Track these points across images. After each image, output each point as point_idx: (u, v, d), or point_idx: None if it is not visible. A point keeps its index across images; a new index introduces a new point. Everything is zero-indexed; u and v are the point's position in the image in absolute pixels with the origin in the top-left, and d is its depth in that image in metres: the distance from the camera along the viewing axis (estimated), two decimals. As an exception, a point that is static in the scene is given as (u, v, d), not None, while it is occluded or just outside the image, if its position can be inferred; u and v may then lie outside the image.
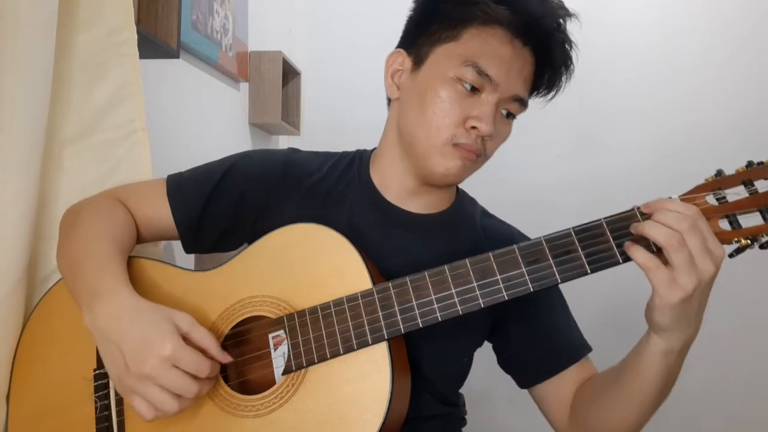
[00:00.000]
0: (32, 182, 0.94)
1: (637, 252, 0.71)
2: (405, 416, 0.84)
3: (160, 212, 0.99)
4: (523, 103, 0.91)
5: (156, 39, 1.33)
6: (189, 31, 1.68)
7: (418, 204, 0.98)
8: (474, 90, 0.87)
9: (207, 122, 1.93)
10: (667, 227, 0.69)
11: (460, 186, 1.03)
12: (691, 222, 0.69)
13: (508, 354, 0.99)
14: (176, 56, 1.40)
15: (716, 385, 2.47)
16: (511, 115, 0.92)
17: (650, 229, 0.70)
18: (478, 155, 0.90)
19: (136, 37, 1.07)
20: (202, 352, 0.78)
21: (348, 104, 2.56)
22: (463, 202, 1.03)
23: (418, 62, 0.93)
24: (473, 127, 0.88)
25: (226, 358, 0.80)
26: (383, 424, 0.76)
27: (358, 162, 1.02)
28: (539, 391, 0.96)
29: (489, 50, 0.87)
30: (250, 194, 0.98)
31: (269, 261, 0.88)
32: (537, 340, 0.95)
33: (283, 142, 2.66)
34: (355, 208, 0.97)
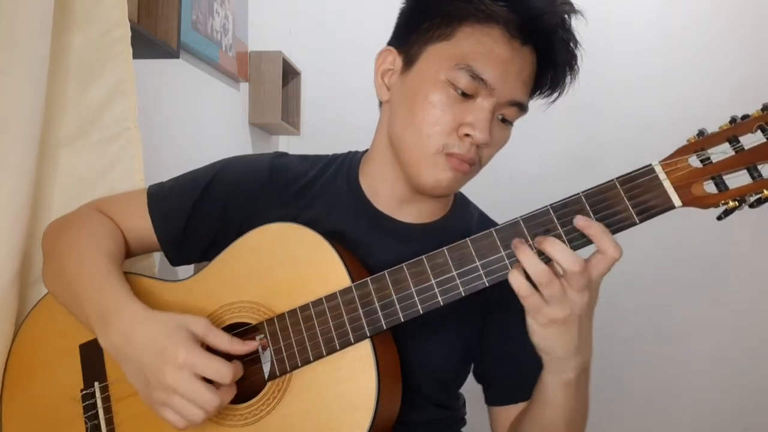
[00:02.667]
0: (27, 182, 0.93)
1: (514, 278, 0.70)
2: (397, 413, 0.82)
3: (142, 226, 0.95)
4: (522, 108, 0.85)
5: (156, 39, 1.33)
6: (189, 31, 1.67)
7: (410, 213, 0.92)
8: (468, 95, 0.81)
9: (207, 122, 1.92)
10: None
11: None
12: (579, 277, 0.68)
13: (482, 368, 0.96)
14: (176, 56, 1.39)
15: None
16: (508, 121, 0.86)
17: (525, 260, 0.70)
18: (471, 164, 0.84)
19: (129, 34, 1.06)
20: (226, 356, 0.76)
21: (348, 104, 2.55)
22: (460, 208, 0.98)
23: (408, 62, 0.86)
24: (467, 135, 0.82)
25: (251, 345, 0.78)
26: (373, 422, 0.75)
27: (347, 166, 0.96)
28: (497, 410, 0.93)
29: (484, 51, 0.80)
30: (235, 203, 0.94)
31: (245, 264, 0.86)
32: (512, 361, 0.91)
33: (283, 142, 2.66)
34: (342, 215, 0.91)
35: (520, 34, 0.81)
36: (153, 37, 1.32)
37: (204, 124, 1.90)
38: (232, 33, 2.01)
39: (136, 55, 1.39)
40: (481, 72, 0.80)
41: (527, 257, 0.69)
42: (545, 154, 2.56)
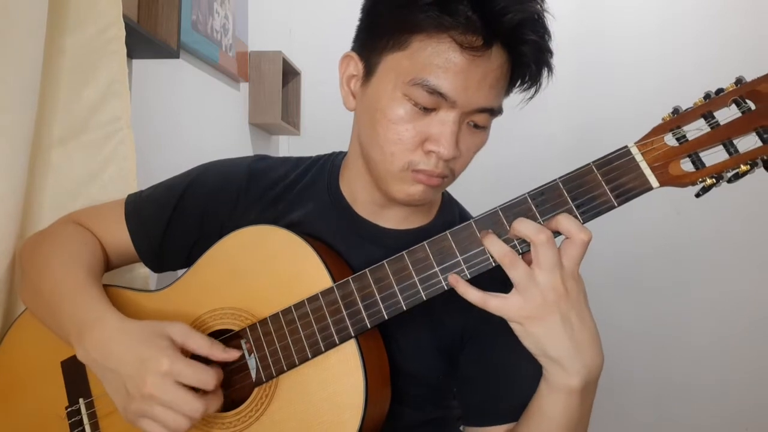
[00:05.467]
0: (19, 182, 0.93)
1: (464, 288, 0.70)
2: (386, 412, 0.81)
3: (120, 237, 0.94)
4: (492, 113, 0.78)
5: (156, 39, 1.34)
6: (189, 31, 1.69)
7: (391, 218, 0.88)
8: (429, 109, 0.76)
9: (207, 122, 1.94)
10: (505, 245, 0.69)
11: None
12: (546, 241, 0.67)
13: (459, 388, 0.91)
14: (176, 56, 1.41)
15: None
16: (481, 126, 0.79)
17: (490, 245, 0.70)
18: (443, 177, 0.79)
19: (124, 33, 1.06)
20: (206, 360, 0.74)
21: (348, 104, 2.55)
22: (446, 212, 0.93)
23: (368, 72, 0.80)
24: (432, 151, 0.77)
25: (231, 354, 0.76)
26: (362, 422, 0.74)
27: (329, 168, 0.93)
28: (476, 430, 0.88)
29: (440, 62, 0.73)
30: (213, 209, 0.91)
31: (224, 269, 0.84)
32: (489, 381, 0.86)
33: (283, 142, 2.67)
34: (323, 220, 0.88)
35: (483, 37, 0.73)
36: (153, 37, 1.33)
37: (204, 124, 1.91)
38: (232, 33, 2.02)
39: (137, 55, 1.40)
40: (438, 86, 0.73)
41: (490, 240, 0.70)
42: (545, 154, 2.55)
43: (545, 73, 0.78)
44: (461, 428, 0.99)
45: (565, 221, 0.68)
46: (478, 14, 0.72)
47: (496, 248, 0.69)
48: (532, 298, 0.68)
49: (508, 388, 0.83)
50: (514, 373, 0.81)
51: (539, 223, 0.70)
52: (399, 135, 0.77)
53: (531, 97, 0.81)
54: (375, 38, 0.79)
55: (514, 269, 0.68)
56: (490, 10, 0.72)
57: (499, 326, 0.73)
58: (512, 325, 0.71)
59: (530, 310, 0.68)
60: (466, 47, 0.73)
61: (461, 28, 0.73)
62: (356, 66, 0.83)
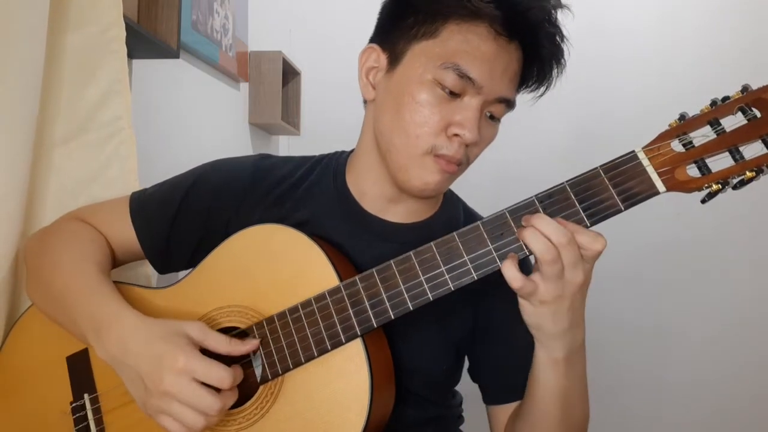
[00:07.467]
0: (21, 182, 0.93)
1: (508, 269, 0.70)
2: (390, 412, 0.82)
3: (126, 235, 0.94)
4: (509, 105, 0.84)
5: (156, 39, 1.33)
6: (189, 31, 1.68)
7: (398, 212, 0.91)
8: (455, 94, 0.80)
9: (207, 122, 1.93)
10: (547, 240, 0.68)
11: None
12: (569, 237, 0.68)
13: (477, 369, 0.95)
14: (176, 56, 1.40)
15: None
16: (495, 118, 0.84)
17: (531, 239, 0.69)
18: (459, 165, 0.83)
19: (124, 33, 1.07)
20: (224, 360, 0.75)
21: (348, 104, 2.53)
22: (448, 206, 0.96)
23: (393, 61, 0.84)
24: (456, 135, 0.80)
25: (252, 344, 0.77)
26: (367, 421, 0.74)
27: (334, 166, 0.94)
28: (495, 409, 0.92)
29: (470, 49, 0.79)
30: (217, 208, 0.92)
31: (231, 267, 0.85)
32: (506, 362, 0.90)
33: (283, 142, 2.67)
34: (329, 217, 0.90)
35: (506, 30, 0.79)
36: (153, 37, 1.33)
37: (204, 124, 1.90)
38: (232, 33, 2.02)
39: (137, 55, 1.40)
40: (468, 70, 0.78)
41: (533, 237, 0.69)
42: (546, 154, 2.56)
43: (556, 72, 0.84)
44: (462, 426, 1.01)
45: (580, 237, 0.69)
46: (503, 9, 0.78)
47: (539, 246, 0.68)
48: (554, 289, 0.70)
49: (523, 367, 0.85)
50: (527, 353, 0.83)
51: None
52: (425, 118, 0.80)
53: (541, 95, 0.86)
54: (402, 28, 0.83)
55: (555, 265, 0.68)
56: (514, 6, 0.78)
57: (510, 313, 0.76)
58: (521, 303, 0.73)
59: (549, 298, 0.70)
60: (499, 33, 0.79)
61: (489, 20, 0.79)
62: (378, 58, 0.86)
